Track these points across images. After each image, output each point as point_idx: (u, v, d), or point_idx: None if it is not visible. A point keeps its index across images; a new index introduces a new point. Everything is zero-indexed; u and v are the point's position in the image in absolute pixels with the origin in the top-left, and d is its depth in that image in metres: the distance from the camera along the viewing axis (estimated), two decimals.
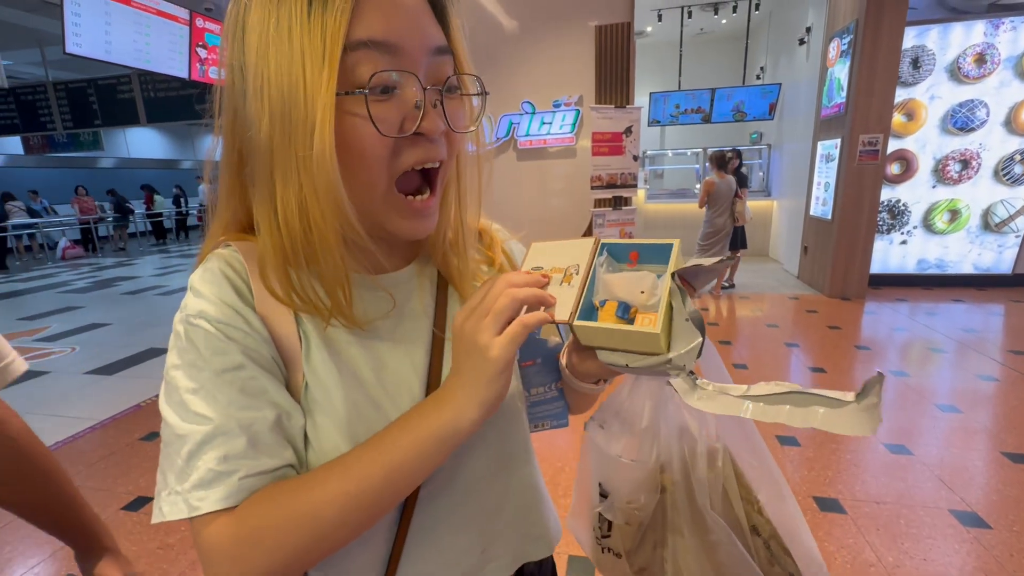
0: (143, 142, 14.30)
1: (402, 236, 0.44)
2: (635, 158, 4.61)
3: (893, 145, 4.85)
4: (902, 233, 5.15)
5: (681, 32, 7.53)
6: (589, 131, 4.63)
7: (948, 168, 4.91)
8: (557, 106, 5.11)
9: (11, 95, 6.49)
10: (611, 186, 4.58)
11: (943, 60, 4.75)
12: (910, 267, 5.24)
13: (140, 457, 2.47)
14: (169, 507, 0.37)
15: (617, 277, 0.41)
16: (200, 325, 0.39)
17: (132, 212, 11.55)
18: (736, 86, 6.83)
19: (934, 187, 4.99)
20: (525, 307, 0.40)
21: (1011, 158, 4.81)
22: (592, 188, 4.58)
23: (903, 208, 5.08)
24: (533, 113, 5.18)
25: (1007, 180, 4.85)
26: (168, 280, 7.36)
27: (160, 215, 12.35)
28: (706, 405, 0.37)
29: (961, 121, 4.80)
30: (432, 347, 0.48)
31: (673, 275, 0.39)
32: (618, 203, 4.76)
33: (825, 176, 5.06)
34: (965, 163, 4.88)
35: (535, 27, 5.00)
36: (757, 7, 6.97)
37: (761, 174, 7.53)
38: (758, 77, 7.82)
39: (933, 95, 4.82)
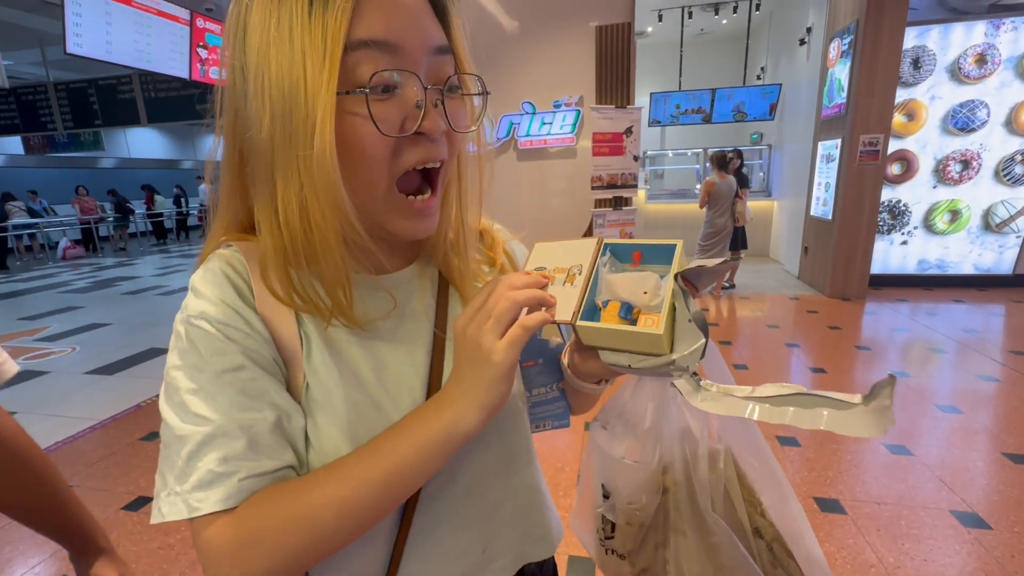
0: (144, 142, 14.31)
1: (403, 236, 0.44)
2: (635, 158, 4.61)
3: (894, 145, 4.85)
4: (903, 233, 5.15)
5: (682, 32, 7.53)
6: (589, 131, 4.64)
7: (949, 168, 4.90)
8: (557, 106, 5.11)
9: (12, 95, 6.50)
10: (611, 186, 4.58)
11: (944, 60, 4.75)
12: (911, 267, 5.24)
13: (140, 457, 2.47)
14: (168, 508, 0.37)
15: (620, 277, 0.41)
16: (201, 326, 0.39)
17: (133, 212, 11.56)
18: (736, 86, 6.83)
19: (935, 187, 4.99)
20: (526, 309, 0.40)
21: (1012, 158, 4.80)
22: (592, 188, 4.58)
23: (904, 208, 5.08)
24: (533, 113, 5.19)
25: (1008, 180, 4.85)
26: (168, 280, 7.36)
27: (161, 215, 12.36)
28: (710, 406, 0.36)
29: (962, 121, 4.80)
30: (433, 348, 0.48)
31: (676, 276, 0.38)
32: (618, 203, 4.76)
33: (826, 176, 5.05)
34: (966, 163, 4.88)
35: (535, 27, 5.00)
36: (758, 7, 6.97)
37: (761, 174, 7.53)
38: (759, 77, 7.82)
39: (934, 95, 4.82)
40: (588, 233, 4.99)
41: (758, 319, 4.42)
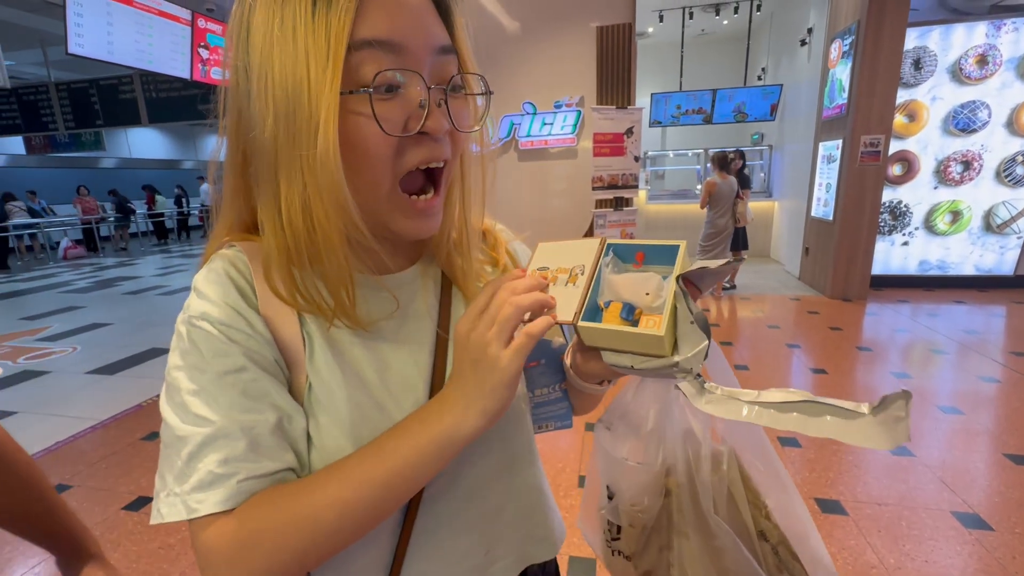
0: (145, 142, 14.32)
1: (406, 236, 0.44)
2: (636, 159, 4.61)
3: (895, 146, 4.85)
4: (903, 234, 5.15)
5: (682, 33, 7.54)
6: (590, 132, 4.64)
7: (950, 169, 4.90)
8: (558, 107, 5.11)
9: (13, 95, 6.51)
10: (612, 187, 4.59)
11: (945, 61, 4.74)
12: (911, 268, 5.23)
13: (141, 457, 2.47)
14: (168, 508, 0.37)
15: (622, 278, 0.41)
16: (203, 327, 0.39)
17: (134, 212, 11.57)
18: (737, 87, 6.83)
19: (936, 188, 4.99)
20: (529, 313, 0.40)
21: (1013, 159, 4.80)
22: (593, 189, 4.58)
23: (904, 209, 5.07)
24: (534, 114, 5.19)
25: (1009, 181, 4.84)
26: (169, 280, 7.36)
27: (162, 215, 12.37)
28: (714, 409, 0.36)
29: (963, 122, 4.80)
30: (436, 348, 0.48)
31: (678, 278, 0.38)
32: (619, 204, 4.76)
33: (826, 177, 5.05)
34: (967, 164, 4.88)
35: (536, 28, 5.00)
36: (759, 8, 6.97)
37: (762, 175, 7.53)
38: (759, 78, 7.82)
39: (935, 96, 4.82)
40: (589, 233, 4.99)
41: (759, 320, 4.42)
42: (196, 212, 14.07)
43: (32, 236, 10.41)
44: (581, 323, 0.40)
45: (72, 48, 3.75)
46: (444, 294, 0.51)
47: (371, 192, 0.40)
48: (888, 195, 4.99)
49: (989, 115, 4.75)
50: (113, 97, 6.13)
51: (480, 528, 0.50)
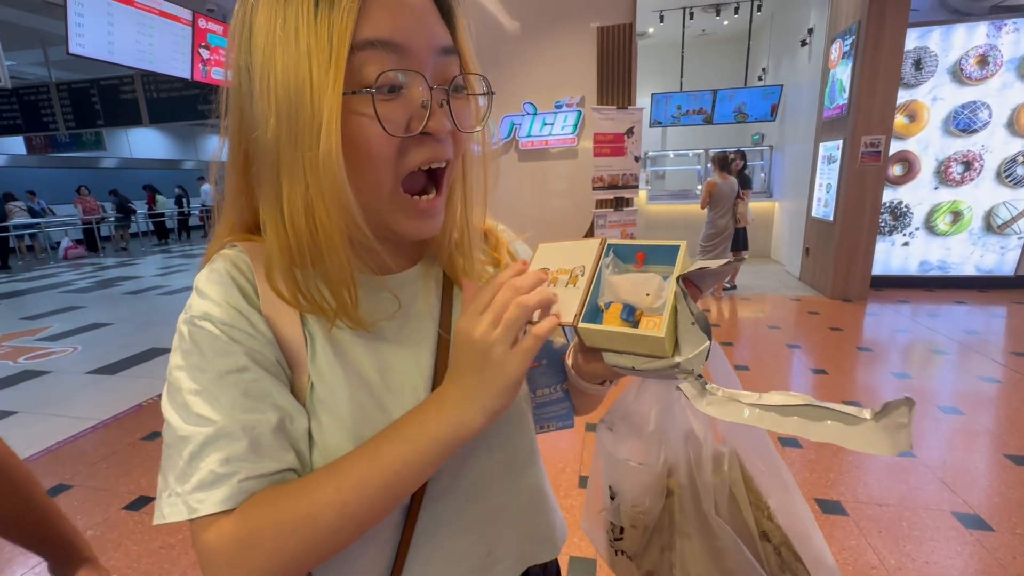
0: (145, 142, 14.32)
1: (408, 236, 0.44)
2: (636, 159, 4.61)
3: (895, 147, 4.84)
4: (904, 235, 5.15)
5: (683, 33, 7.53)
6: (591, 132, 4.64)
7: (950, 170, 4.90)
8: (559, 107, 5.11)
9: (14, 95, 6.51)
10: (613, 187, 4.58)
11: (945, 62, 4.74)
12: (912, 269, 5.23)
13: (142, 457, 2.47)
14: (170, 508, 0.37)
15: (623, 279, 0.41)
16: (205, 327, 0.39)
17: (134, 212, 11.57)
18: (738, 87, 6.83)
19: (936, 189, 4.98)
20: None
21: (1013, 160, 4.80)
22: (594, 189, 4.58)
23: (905, 210, 5.07)
24: (535, 114, 5.19)
25: (1009, 182, 4.84)
26: (170, 280, 7.37)
27: (162, 215, 12.37)
28: (715, 411, 0.36)
29: (963, 123, 4.80)
30: (438, 348, 0.48)
31: (678, 279, 0.38)
32: (620, 204, 4.76)
33: (827, 177, 5.05)
34: (967, 165, 4.87)
35: (537, 28, 5.00)
36: (759, 8, 6.97)
37: (763, 175, 7.53)
38: (760, 78, 7.82)
39: (935, 97, 4.81)
40: (589, 234, 4.99)
41: (759, 320, 4.42)
42: (197, 212, 14.08)
43: (32, 236, 10.42)
44: (581, 325, 0.40)
45: (73, 48, 3.76)
46: (445, 294, 0.51)
47: (373, 192, 0.40)
48: (889, 195, 4.99)
49: (990, 115, 4.75)
50: (114, 97, 6.13)
51: (481, 528, 0.50)
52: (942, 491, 2.02)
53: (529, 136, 5.21)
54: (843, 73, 4.66)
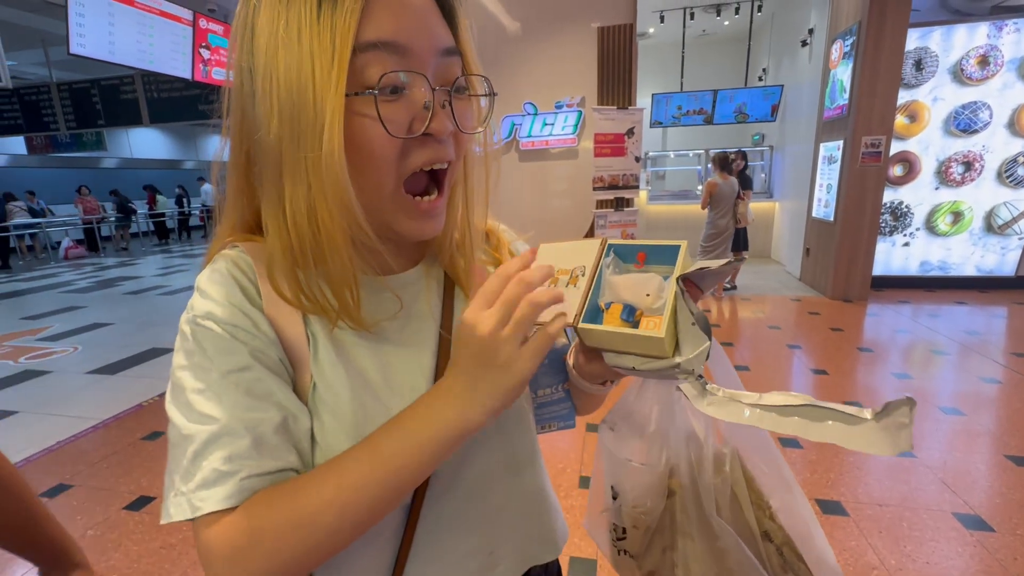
0: (146, 142, 14.33)
1: (409, 237, 0.44)
2: (637, 159, 4.61)
3: (896, 147, 4.84)
4: (904, 235, 5.14)
5: (683, 33, 7.53)
6: (591, 132, 4.64)
7: (951, 170, 4.90)
8: (559, 107, 5.12)
9: (15, 95, 6.51)
10: (613, 187, 4.59)
11: (946, 62, 4.74)
12: (913, 269, 5.23)
13: (142, 457, 2.47)
14: (175, 508, 0.37)
15: (623, 279, 0.41)
16: (207, 326, 0.39)
17: (135, 212, 11.57)
18: (738, 87, 6.83)
19: (937, 189, 4.98)
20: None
21: (1014, 160, 4.80)
22: (594, 189, 4.58)
23: (906, 210, 5.07)
24: (535, 114, 5.19)
25: (1010, 182, 4.84)
26: (170, 280, 7.37)
27: (163, 215, 12.38)
28: (715, 411, 0.36)
29: (964, 123, 4.79)
30: (439, 349, 0.48)
31: (678, 279, 0.38)
32: (620, 204, 4.76)
33: (827, 178, 5.05)
34: (968, 165, 4.87)
35: (537, 28, 5.00)
36: (760, 9, 6.97)
37: (763, 176, 7.52)
38: (760, 79, 7.82)
39: (936, 97, 4.81)
40: (590, 234, 4.99)
41: (759, 320, 4.42)
42: (197, 212, 14.09)
43: (33, 236, 10.43)
44: (582, 325, 0.40)
45: (74, 48, 3.76)
46: (447, 295, 0.51)
47: (375, 193, 0.41)
48: (889, 196, 4.99)
49: (990, 116, 4.74)
50: (114, 97, 6.14)
51: (482, 529, 0.50)
52: (943, 492, 2.02)
53: (529, 136, 5.21)
54: (844, 73, 4.66)
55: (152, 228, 12.63)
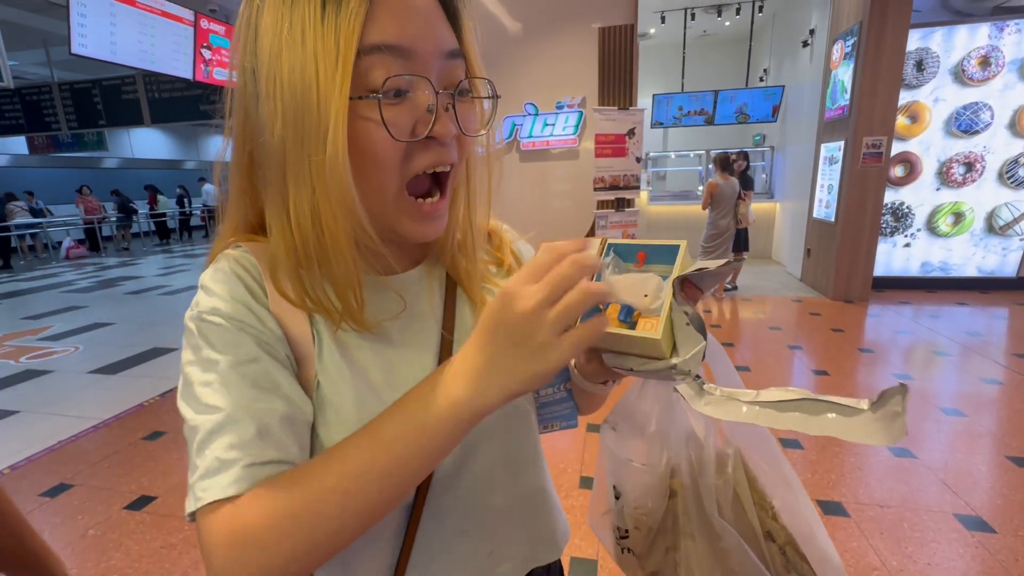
0: (147, 142, 14.34)
1: (412, 239, 0.44)
2: (638, 160, 4.61)
3: (897, 147, 4.84)
4: (906, 236, 5.14)
5: (684, 34, 7.53)
6: (592, 133, 4.64)
7: (952, 171, 4.89)
8: (560, 108, 5.12)
9: (16, 95, 6.52)
10: (614, 188, 4.59)
11: (947, 62, 4.74)
12: (914, 270, 5.22)
13: (143, 456, 2.48)
14: (189, 502, 0.36)
15: (622, 279, 0.41)
16: (213, 320, 0.39)
17: (136, 212, 11.58)
18: (739, 88, 6.83)
19: (938, 190, 4.98)
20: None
21: (1016, 161, 4.79)
22: (595, 190, 4.58)
23: (907, 211, 5.07)
24: (536, 115, 5.19)
25: (1011, 183, 4.83)
26: (171, 280, 7.37)
27: (164, 215, 12.39)
28: (713, 411, 0.36)
29: (965, 124, 4.79)
30: (440, 350, 0.48)
31: (674, 281, 0.38)
32: (621, 205, 4.76)
33: (828, 178, 5.05)
34: (969, 166, 4.87)
35: (538, 29, 5.01)
36: (761, 9, 6.97)
37: (764, 176, 7.52)
38: (761, 79, 7.81)
39: (937, 97, 4.81)
40: (591, 234, 4.99)
41: (760, 321, 4.41)
42: (198, 212, 14.10)
43: (34, 236, 10.44)
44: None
45: (75, 48, 3.77)
46: (448, 295, 0.51)
47: (378, 196, 0.41)
48: (890, 196, 4.98)
49: (992, 116, 4.74)
50: (116, 97, 6.15)
51: (484, 529, 0.50)
52: (944, 493, 2.02)
53: (530, 137, 5.22)
54: (845, 74, 4.66)
55: (153, 228, 12.64)
